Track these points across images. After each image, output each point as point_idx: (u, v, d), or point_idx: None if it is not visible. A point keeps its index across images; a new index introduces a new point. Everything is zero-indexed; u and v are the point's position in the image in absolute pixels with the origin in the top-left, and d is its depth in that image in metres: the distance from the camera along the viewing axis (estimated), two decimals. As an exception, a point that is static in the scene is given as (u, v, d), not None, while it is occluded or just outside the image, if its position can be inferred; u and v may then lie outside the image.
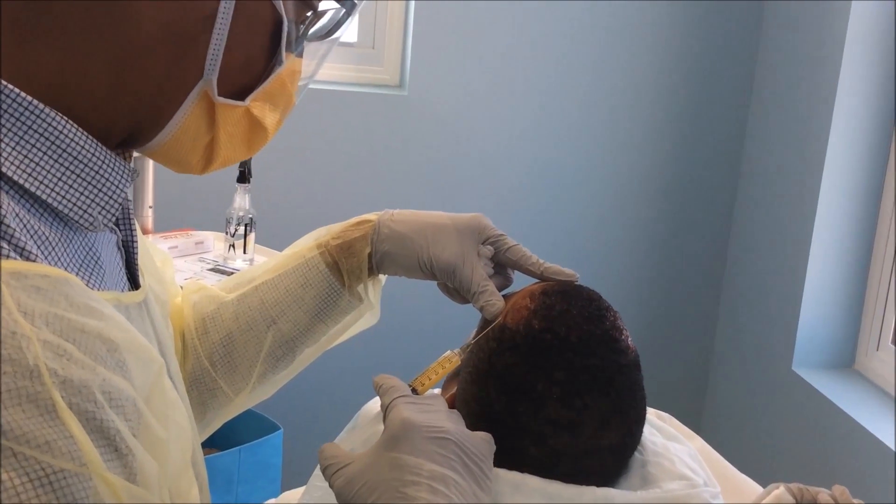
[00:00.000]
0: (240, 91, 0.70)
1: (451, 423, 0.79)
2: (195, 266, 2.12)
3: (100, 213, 0.63)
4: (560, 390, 0.84)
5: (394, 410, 0.79)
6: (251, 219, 2.15)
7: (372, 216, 0.96)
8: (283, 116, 0.75)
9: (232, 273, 2.07)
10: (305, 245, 0.97)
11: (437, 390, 0.95)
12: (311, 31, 0.73)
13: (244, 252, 2.14)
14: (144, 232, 2.22)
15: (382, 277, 0.99)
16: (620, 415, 0.86)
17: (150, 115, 0.66)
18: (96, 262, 0.65)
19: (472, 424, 0.84)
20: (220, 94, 0.67)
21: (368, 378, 0.86)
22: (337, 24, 0.75)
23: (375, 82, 2.69)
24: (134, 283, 0.73)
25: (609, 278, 2.85)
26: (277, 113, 0.74)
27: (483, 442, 0.80)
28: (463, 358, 0.90)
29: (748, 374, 2.77)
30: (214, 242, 2.25)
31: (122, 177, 0.65)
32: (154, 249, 0.92)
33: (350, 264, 0.94)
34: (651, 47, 2.75)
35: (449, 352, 0.90)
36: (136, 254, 0.73)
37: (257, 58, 0.69)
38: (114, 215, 0.65)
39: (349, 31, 2.66)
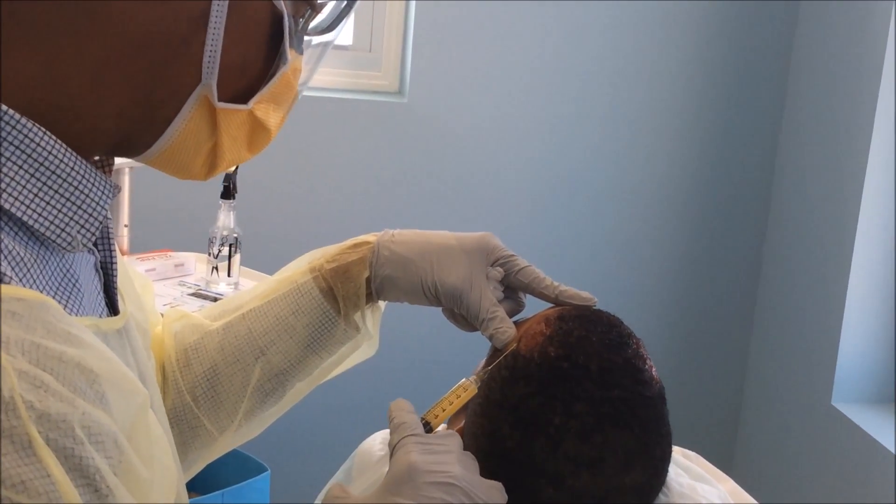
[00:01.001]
0: (241, 93, 0.71)
1: (460, 467, 0.79)
2: (175, 290, 2.12)
3: (79, 231, 0.64)
4: (579, 425, 0.84)
5: (400, 451, 0.80)
6: (236, 238, 2.15)
7: (370, 237, 0.96)
8: (287, 114, 0.77)
9: (215, 298, 2.08)
10: (297, 269, 0.97)
11: (443, 427, 0.95)
12: (311, 25, 0.74)
13: (228, 275, 2.15)
14: (120, 253, 2.22)
15: (382, 304, 0.99)
16: (645, 452, 0.86)
17: (144, 122, 0.67)
18: (74, 285, 0.65)
19: (482, 461, 0.84)
20: (220, 98, 0.69)
21: (365, 415, 0.87)
22: (338, 18, 0.77)
23: (372, 88, 2.70)
24: (113, 309, 0.73)
25: (631, 303, 2.85)
26: (281, 111, 0.75)
27: (493, 490, 0.80)
28: (479, 387, 0.90)
29: (783, 410, 2.76)
30: (196, 265, 2.26)
31: (102, 193, 0.65)
32: (134, 273, 0.92)
33: (346, 290, 0.94)
34: (674, 52, 2.76)
35: (465, 380, 0.90)
36: (116, 276, 0.74)
37: (256, 58, 0.70)
38: (94, 234, 0.65)
39: (344, 33, 2.69)
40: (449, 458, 0.79)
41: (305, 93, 2.87)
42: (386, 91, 2.71)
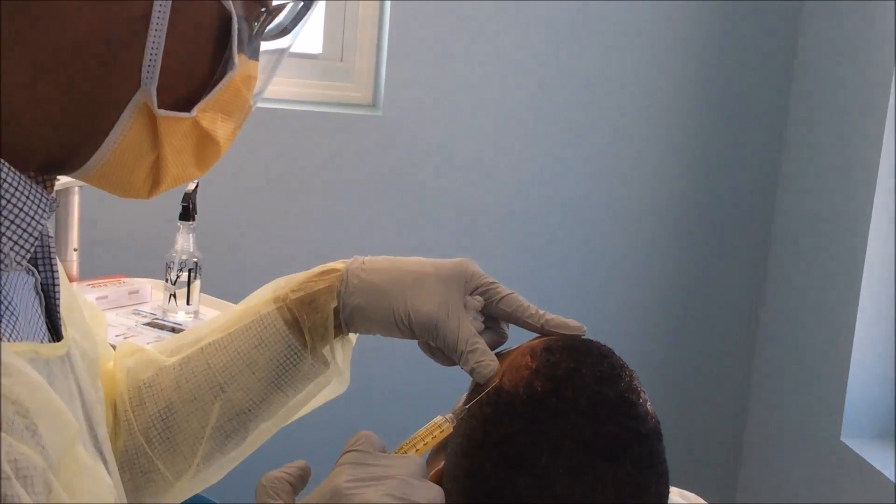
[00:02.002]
0: (186, 100, 0.71)
1: (396, 494, 0.77)
2: (128, 320, 2.11)
3: (11, 248, 0.64)
4: (568, 463, 0.84)
5: (335, 470, 0.79)
6: (196, 263, 2.15)
7: (339, 264, 0.96)
8: (238, 126, 0.76)
9: (173, 328, 2.07)
10: (261, 299, 0.97)
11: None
12: (267, 28, 0.75)
13: (188, 303, 2.14)
14: (68, 279, 2.21)
15: (352, 337, 0.98)
16: (639, 492, 0.86)
17: (81, 133, 0.67)
18: (7, 308, 0.65)
19: None
20: (161, 105, 0.69)
21: (336, 457, 0.86)
22: (294, 20, 0.77)
23: (344, 101, 2.71)
24: (56, 334, 0.73)
25: (623, 332, 2.85)
26: (231, 123, 0.75)
27: None
28: (455, 425, 0.90)
29: (789, 446, 2.77)
30: (152, 292, 2.25)
31: (38, 205, 0.65)
32: (84, 303, 0.92)
33: (313, 321, 0.94)
34: (669, 56, 2.78)
35: (439, 417, 0.90)
36: (59, 300, 0.74)
37: (202, 63, 0.71)
38: (28, 251, 0.65)
39: (312, 41, 2.69)
40: (388, 486, 0.78)
41: (271, 105, 2.88)
42: (358, 103, 2.71)
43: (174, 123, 0.71)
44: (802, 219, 2.77)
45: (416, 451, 0.88)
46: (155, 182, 0.73)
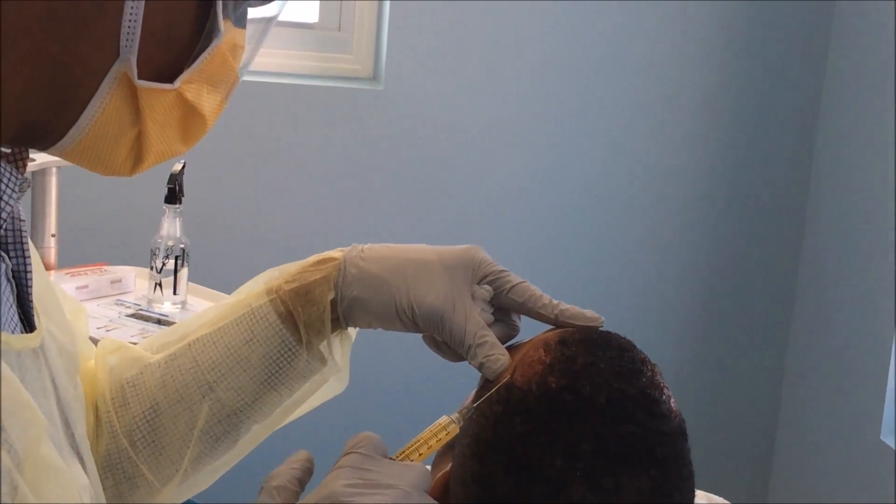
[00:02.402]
0: (168, 71, 0.71)
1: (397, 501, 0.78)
2: (111, 311, 2.11)
3: None
4: (585, 467, 0.84)
5: (333, 473, 0.79)
6: (183, 250, 2.15)
7: (336, 253, 0.96)
8: (226, 99, 0.77)
9: (159, 320, 2.07)
10: (252, 291, 0.97)
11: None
12: None
13: (174, 293, 2.14)
14: (46, 267, 2.22)
15: (352, 331, 0.98)
16: (663, 497, 0.86)
17: (55, 106, 0.67)
18: None
19: None
20: (142, 77, 0.69)
21: (335, 461, 0.86)
22: None
23: (343, 74, 2.71)
24: (29, 325, 0.73)
25: (645, 323, 2.85)
26: (218, 95, 0.75)
27: None
28: (462, 426, 0.90)
29: (824, 446, 2.77)
30: (136, 281, 2.25)
31: (7, 185, 0.66)
32: (63, 296, 0.92)
33: (309, 314, 0.94)
34: (699, 48, 2.77)
35: (445, 417, 0.90)
36: (31, 287, 0.74)
37: (184, 31, 0.71)
38: None
39: (308, 9, 2.69)
40: (390, 494, 0.78)
41: (264, 79, 2.89)
42: (358, 77, 2.71)
43: (157, 96, 0.71)
44: (837, 212, 2.77)
45: (420, 454, 0.87)
46: (137, 158, 0.73)
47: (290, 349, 0.94)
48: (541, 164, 2.77)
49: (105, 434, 0.95)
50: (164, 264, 2.14)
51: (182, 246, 2.15)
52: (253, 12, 0.78)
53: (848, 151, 2.75)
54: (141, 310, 2.13)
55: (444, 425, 0.89)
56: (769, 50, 2.82)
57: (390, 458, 0.85)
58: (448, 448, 0.92)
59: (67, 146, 0.70)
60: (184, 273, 2.16)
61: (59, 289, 0.89)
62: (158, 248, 2.14)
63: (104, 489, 0.92)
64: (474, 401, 0.91)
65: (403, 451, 0.87)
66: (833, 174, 2.81)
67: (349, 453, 0.81)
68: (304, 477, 0.84)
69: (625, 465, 0.85)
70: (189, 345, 0.96)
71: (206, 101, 0.74)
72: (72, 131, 0.69)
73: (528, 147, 2.76)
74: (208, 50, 0.72)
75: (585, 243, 2.83)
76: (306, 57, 2.70)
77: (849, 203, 2.72)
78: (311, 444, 2.73)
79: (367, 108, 2.66)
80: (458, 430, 0.89)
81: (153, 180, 2.17)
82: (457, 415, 0.90)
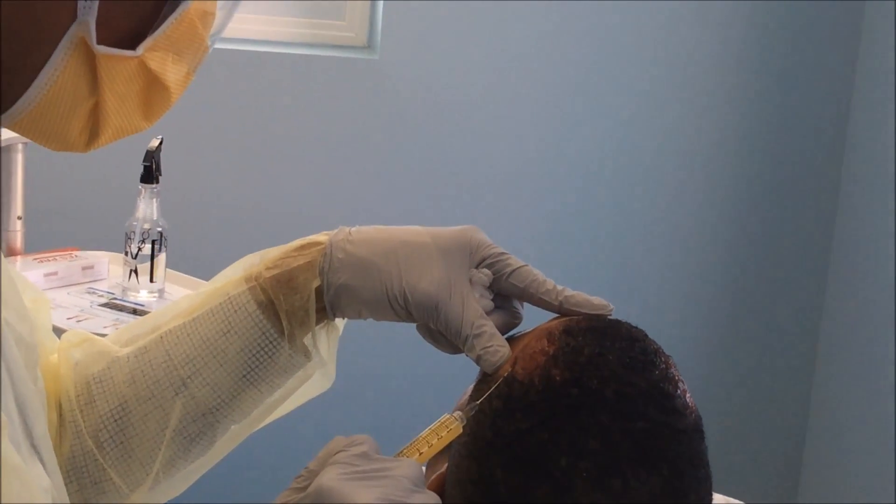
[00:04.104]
0: (131, 37, 0.71)
1: (384, 497, 0.77)
2: (82, 300, 2.11)
3: None
4: (592, 466, 0.84)
5: (323, 471, 0.79)
6: (161, 233, 2.15)
7: (321, 237, 0.95)
8: (192, 71, 0.76)
9: (134, 310, 2.07)
10: (231, 278, 0.96)
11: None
12: None
13: (151, 280, 2.14)
14: (11, 252, 2.22)
15: (339, 323, 0.98)
16: (676, 499, 0.86)
17: (4, 72, 0.67)
18: None
19: None
20: (102, 41, 0.69)
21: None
22: None
23: (335, 42, 2.71)
24: None
25: (658, 311, 2.85)
26: (184, 66, 0.75)
27: None
28: (465, 424, 0.90)
29: (857, 447, 2.77)
30: (110, 267, 2.25)
31: None
32: (25, 286, 0.92)
33: (291, 303, 0.93)
34: (728, 43, 2.77)
35: (447, 415, 0.90)
36: None
37: None
38: None
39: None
40: (384, 485, 0.78)
41: (251, 48, 2.88)
42: (352, 45, 2.71)
43: (117, 63, 0.71)
44: (869, 204, 2.80)
45: (421, 454, 0.87)
46: (93, 133, 0.73)
47: (270, 341, 0.94)
48: (548, 138, 2.77)
49: (69, 434, 0.95)
50: (139, 249, 2.14)
51: (159, 229, 2.15)
52: None
53: (880, 144, 2.76)
54: (115, 298, 2.13)
55: (446, 423, 0.89)
56: (800, 41, 2.83)
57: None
58: (446, 447, 0.92)
59: (17, 116, 0.70)
60: (161, 259, 2.16)
61: (19, 276, 0.89)
62: (134, 232, 2.14)
63: (68, 493, 0.92)
64: (472, 396, 0.91)
65: (402, 452, 0.87)
66: (865, 165, 2.82)
67: (340, 452, 0.81)
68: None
69: (635, 464, 0.85)
70: (161, 337, 0.95)
71: (172, 72, 0.74)
72: (21, 100, 0.69)
73: (535, 120, 2.75)
74: (174, 14, 0.72)
75: (597, 225, 2.83)
76: (295, 23, 2.70)
77: (881, 197, 2.74)
78: (295, 448, 2.74)
79: (361, 79, 2.66)
80: (461, 429, 0.89)
81: (128, 158, 2.17)
82: (459, 413, 0.90)
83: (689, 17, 2.77)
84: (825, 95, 2.87)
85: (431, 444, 0.88)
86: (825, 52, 2.85)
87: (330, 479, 0.78)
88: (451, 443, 0.90)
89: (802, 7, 2.81)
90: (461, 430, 0.89)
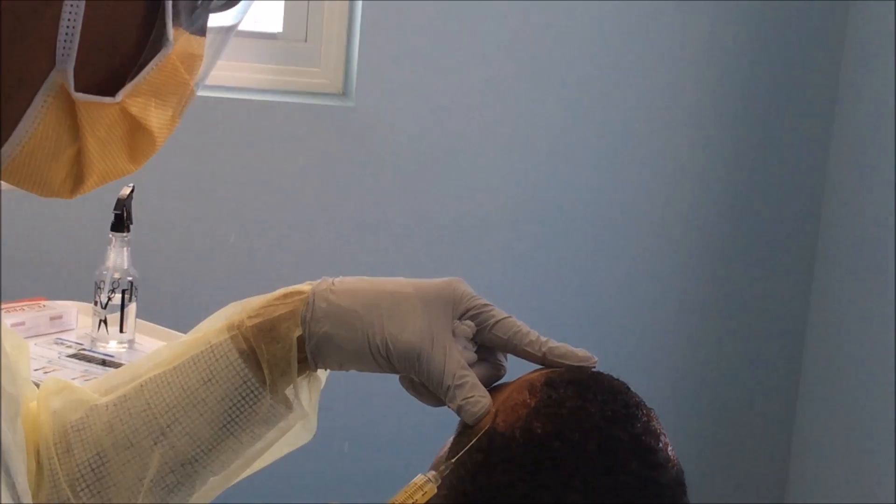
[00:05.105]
0: (113, 82, 0.72)
1: None
2: (50, 351, 2.10)
3: None
4: (575, 521, 0.85)
5: None
6: (131, 283, 2.14)
7: (304, 286, 0.96)
8: (179, 114, 0.77)
9: (104, 361, 2.06)
10: (212, 327, 0.97)
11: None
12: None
13: (121, 331, 2.13)
14: (-23, 302, 2.22)
15: (322, 374, 0.98)
16: (660, 554, 0.87)
17: None
18: None
19: None
20: (82, 88, 0.69)
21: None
22: None
23: (310, 88, 2.71)
24: None
25: (641, 364, 2.85)
26: (168, 110, 0.76)
27: None
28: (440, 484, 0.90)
29: (842, 447, 2.78)
30: (78, 317, 2.24)
31: None
32: (5, 331, 0.92)
33: (273, 353, 0.94)
34: (700, 43, 2.80)
35: (420, 476, 0.90)
36: None
37: (132, 36, 0.72)
38: None
39: (271, 18, 2.69)
40: None
41: (223, 94, 2.88)
42: (326, 92, 2.72)
43: (97, 110, 0.71)
44: (853, 213, 2.82)
45: None
46: (78, 179, 0.74)
47: (252, 391, 0.94)
48: (526, 182, 2.77)
49: (46, 483, 0.95)
50: (109, 299, 2.13)
51: (130, 279, 2.14)
52: (210, 20, 0.78)
53: (864, 152, 2.79)
54: (84, 349, 2.11)
55: (420, 485, 0.89)
56: (784, 48, 2.84)
57: None
58: (424, 502, 0.93)
59: (1, 164, 0.70)
60: (132, 309, 2.15)
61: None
62: (104, 282, 2.13)
63: (44, 545, 0.92)
64: (451, 450, 0.91)
65: None
66: (848, 174, 2.84)
67: None
68: None
69: None
70: (141, 385, 0.95)
71: (155, 117, 0.75)
72: (4, 148, 0.69)
73: (515, 166, 2.76)
74: (155, 60, 0.73)
75: (575, 264, 2.82)
76: (269, 70, 2.70)
77: (865, 204, 2.76)
78: (276, 498, 2.70)
79: (336, 126, 2.66)
80: (435, 490, 0.89)
81: (99, 206, 2.17)
82: (434, 473, 0.90)
83: (672, 19, 2.78)
84: (810, 96, 2.87)
85: None
86: (810, 51, 2.86)
87: None
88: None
89: (787, 7, 2.83)
90: (436, 491, 0.89)
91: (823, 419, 2.89)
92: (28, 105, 0.69)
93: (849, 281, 2.83)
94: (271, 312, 0.95)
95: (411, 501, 0.88)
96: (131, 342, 2.15)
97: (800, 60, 2.86)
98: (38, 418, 0.97)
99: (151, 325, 2.22)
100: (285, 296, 0.96)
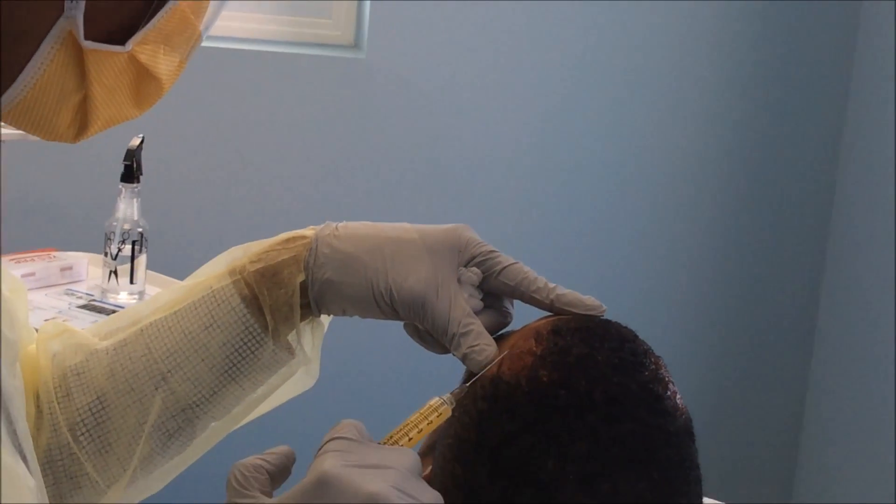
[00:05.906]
0: (121, 29, 0.71)
1: (395, 490, 0.76)
2: (60, 301, 2.11)
3: None
4: (580, 469, 0.84)
5: (318, 458, 0.79)
6: (141, 234, 2.15)
7: (307, 231, 0.96)
8: (185, 60, 0.77)
9: (114, 311, 2.07)
10: (214, 272, 0.96)
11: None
12: None
13: (131, 281, 2.14)
14: (-12, 252, 2.22)
15: (324, 319, 0.98)
16: (666, 502, 0.86)
17: None
18: None
19: None
20: (90, 36, 0.69)
21: (303, 465, 0.86)
22: None
23: (321, 40, 2.71)
24: None
25: (650, 312, 2.86)
26: (176, 56, 0.76)
27: None
28: (444, 426, 0.89)
29: (852, 452, 2.78)
30: (89, 268, 2.25)
31: None
32: (4, 275, 0.91)
33: (276, 298, 0.93)
34: (723, 44, 2.79)
35: (436, 398, 0.88)
36: None
37: None
38: None
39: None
40: (385, 476, 0.77)
41: (234, 45, 2.88)
42: (338, 44, 2.71)
43: (105, 58, 0.71)
44: (865, 204, 2.83)
45: (410, 439, 0.86)
46: (83, 124, 0.74)
47: (254, 337, 0.94)
48: (537, 136, 2.77)
49: (46, 427, 0.95)
50: (119, 250, 2.14)
51: (140, 230, 2.15)
52: None
53: (876, 144, 2.78)
54: (94, 300, 2.13)
55: (436, 407, 0.88)
56: (796, 38, 2.84)
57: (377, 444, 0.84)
58: (429, 448, 0.92)
59: (5, 106, 0.70)
60: (142, 260, 2.16)
61: (-3, 267, 0.89)
62: (114, 232, 2.14)
63: (45, 489, 0.92)
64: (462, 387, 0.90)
65: (391, 437, 0.86)
66: (859, 172, 2.84)
67: (333, 439, 0.80)
68: (278, 473, 0.82)
69: (624, 467, 0.85)
70: (141, 330, 0.95)
71: (163, 63, 0.75)
72: (10, 91, 0.69)
73: (524, 118, 2.76)
74: (164, 8, 0.72)
75: (588, 225, 2.83)
76: (281, 21, 2.70)
77: (877, 196, 2.75)
78: (279, 441, 2.71)
79: (347, 78, 2.66)
80: (450, 413, 0.88)
81: (108, 157, 2.18)
82: (449, 395, 0.89)
83: (682, 16, 2.78)
84: (821, 94, 2.89)
85: (421, 429, 0.86)
86: (821, 50, 2.87)
87: (332, 466, 0.77)
88: (432, 444, 0.90)
89: (798, 7, 2.83)
90: (450, 414, 0.88)
91: (832, 418, 2.90)
92: (34, 50, 0.68)
93: (859, 279, 2.83)
94: (274, 258, 0.94)
95: (426, 422, 0.87)
96: (141, 293, 2.16)
97: (811, 59, 2.87)
98: (38, 362, 0.97)
99: (161, 275, 2.23)
100: (288, 240, 0.96)
